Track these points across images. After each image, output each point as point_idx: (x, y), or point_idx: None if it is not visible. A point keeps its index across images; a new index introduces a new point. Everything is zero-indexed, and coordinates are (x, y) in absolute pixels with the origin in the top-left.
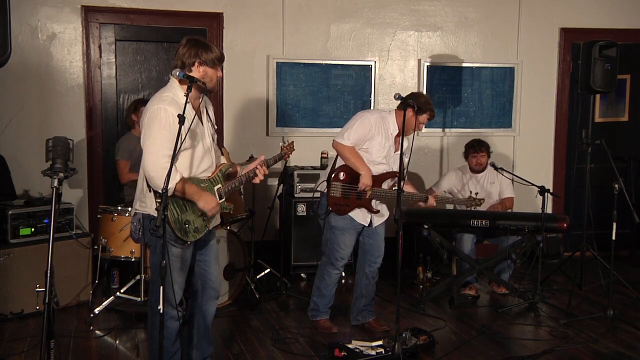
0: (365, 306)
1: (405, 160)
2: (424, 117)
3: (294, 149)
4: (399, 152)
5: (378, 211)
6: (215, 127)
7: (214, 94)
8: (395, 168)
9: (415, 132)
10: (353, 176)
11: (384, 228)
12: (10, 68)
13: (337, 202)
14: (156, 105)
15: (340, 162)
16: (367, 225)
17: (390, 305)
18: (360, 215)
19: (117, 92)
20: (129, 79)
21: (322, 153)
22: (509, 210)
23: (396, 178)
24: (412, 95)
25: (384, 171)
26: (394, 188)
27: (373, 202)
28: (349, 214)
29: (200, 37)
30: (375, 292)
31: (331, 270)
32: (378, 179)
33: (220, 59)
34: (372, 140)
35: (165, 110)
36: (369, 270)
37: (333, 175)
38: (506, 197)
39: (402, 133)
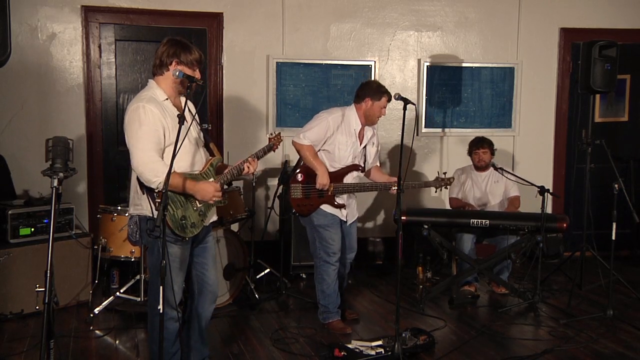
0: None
1: (374, 150)
2: (382, 102)
3: (281, 140)
4: (363, 145)
5: (343, 205)
6: (207, 126)
7: (215, 94)
8: (361, 162)
9: (414, 131)
10: (311, 176)
11: (356, 227)
12: (10, 68)
13: (299, 203)
14: (135, 104)
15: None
16: (345, 220)
17: (390, 305)
18: (337, 211)
19: (117, 92)
20: (129, 78)
21: None
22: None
23: (359, 171)
24: (363, 85)
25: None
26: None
27: (337, 197)
28: (326, 209)
29: (182, 38)
30: (376, 292)
31: (327, 267)
32: (339, 175)
33: (200, 60)
34: (333, 140)
35: (144, 107)
36: (341, 266)
37: (291, 176)
38: (512, 196)
39: (402, 132)
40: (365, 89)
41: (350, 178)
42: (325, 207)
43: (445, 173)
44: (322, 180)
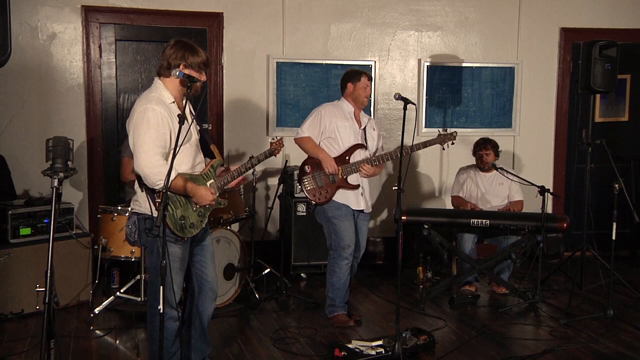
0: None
1: (376, 133)
2: (363, 82)
3: (283, 145)
4: (362, 127)
5: (358, 185)
6: (207, 126)
7: (215, 94)
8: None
9: (414, 130)
10: (318, 164)
11: (367, 225)
12: (10, 68)
13: (314, 193)
14: (143, 105)
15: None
16: (360, 209)
17: (390, 305)
18: (352, 199)
19: (117, 92)
20: (129, 78)
21: None
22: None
23: (364, 149)
24: (342, 76)
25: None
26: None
27: (350, 179)
28: (339, 200)
29: (188, 39)
30: (376, 292)
31: (340, 261)
32: (344, 155)
33: (206, 63)
34: (332, 127)
35: (153, 110)
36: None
37: (300, 172)
38: (515, 200)
39: (403, 131)
40: (344, 78)
41: (357, 157)
42: (337, 198)
43: (446, 129)
44: (327, 164)
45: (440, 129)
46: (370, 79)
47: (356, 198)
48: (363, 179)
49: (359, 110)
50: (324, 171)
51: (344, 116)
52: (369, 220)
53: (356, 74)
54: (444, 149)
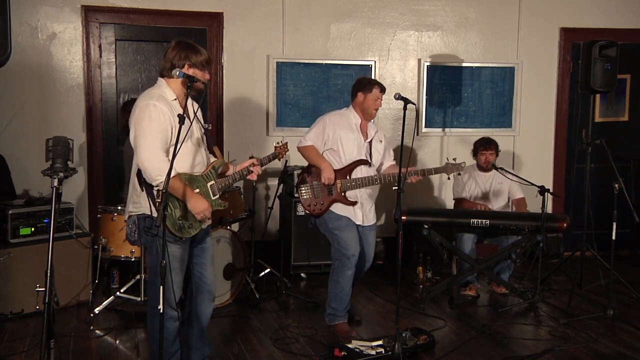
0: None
1: (382, 146)
2: (374, 93)
3: (287, 149)
4: (368, 140)
5: (355, 202)
6: (207, 126)
7: (215, 94)
8: (367, 158)
9: (414, 130)
10: (317, 175)
11: (374, 236)
12: (10, 68)
13: (310, 203)
14: (145, 101)
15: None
16: (359, 223)
17: (390, 305)
18: (351, 212)
19: (117, 91)
20: (129, 78)
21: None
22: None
23: (367, 165)
24: (354, 83)
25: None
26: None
27: (348, 194)
28: (339, 212)
29: (188, 39)
30: (376, 292)
31: (345, 271)
32: (347, 170)
33: (209, 61)
34: (336, 137)
35: (154, 106)
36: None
37: (299, 180)
38: (518, 198)
39: (403, 131)
40: (356, 86)
41: (359, 173)
42: (337, 209)
43: (455, 159)
44: (326, 174)
45: (449, 158)
46: (382, 90)
47: (354, 212)
48: (362, 195)
49: (367, 122)
50: (322, 183)
51: (350, 127)
52: (375, 230)
53: (368, 84)
54: (449, 178)
